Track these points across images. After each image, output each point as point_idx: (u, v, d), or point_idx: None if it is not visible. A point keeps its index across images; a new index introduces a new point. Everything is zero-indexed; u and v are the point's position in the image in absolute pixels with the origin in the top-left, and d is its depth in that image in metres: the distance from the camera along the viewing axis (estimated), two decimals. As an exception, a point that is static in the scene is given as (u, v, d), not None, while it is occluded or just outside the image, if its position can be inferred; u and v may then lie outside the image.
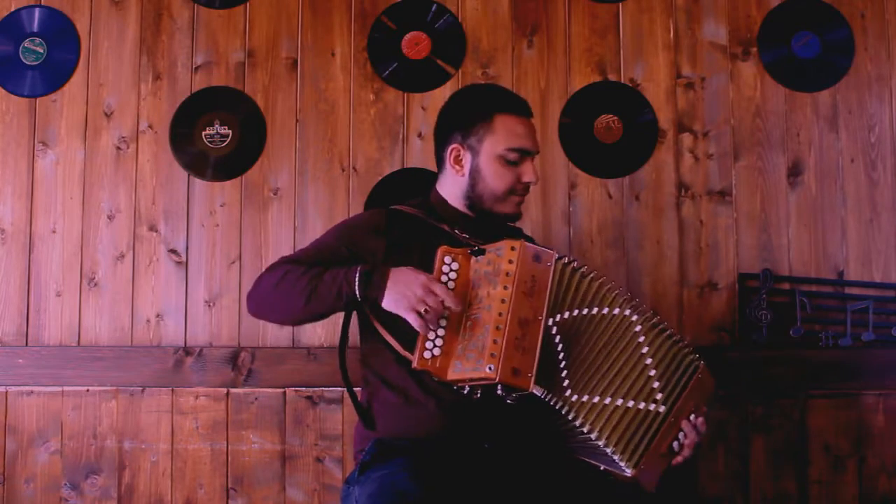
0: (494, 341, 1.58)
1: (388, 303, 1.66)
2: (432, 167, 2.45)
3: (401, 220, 1.85)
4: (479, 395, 1.65)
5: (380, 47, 2.51)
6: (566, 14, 2.51)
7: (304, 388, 2.41)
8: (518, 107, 1.87)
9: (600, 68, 2.49)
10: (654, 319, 1.76)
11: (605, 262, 2.42)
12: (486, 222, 1.88)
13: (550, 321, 1.66)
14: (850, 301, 2.37)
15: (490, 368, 1.56)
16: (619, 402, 1.66)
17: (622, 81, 2.48)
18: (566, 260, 1.70)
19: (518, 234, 1.97)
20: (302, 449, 2.41)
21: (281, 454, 2.41)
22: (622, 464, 1.65)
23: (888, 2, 2.48)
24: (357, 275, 1.67)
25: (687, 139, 2.46)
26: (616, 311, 1.72)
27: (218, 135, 2.50)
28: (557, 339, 1.66)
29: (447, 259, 1.70)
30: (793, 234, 2.43)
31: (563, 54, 2.50)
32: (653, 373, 1.71)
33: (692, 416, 1.73)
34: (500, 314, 1.61)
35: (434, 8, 2.51)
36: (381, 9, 2.52)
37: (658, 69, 2.48)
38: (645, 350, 1.72)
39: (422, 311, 1.61)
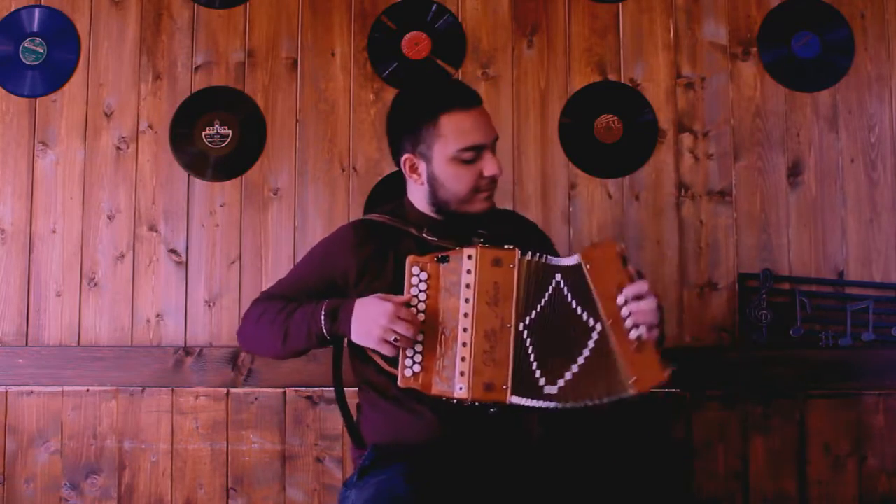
0: (462, 359, 1.56)
1: (357, 338, 1.65)
2: (432, 167, 2.46)
3: (370, 230, 1.81)
4: (467, 404, 1.63)
5: (380, 47, 2.51)
6: (566, 14, 2.51)
7: (304, 388, 2.41)
8: (462, 100, 1.74)
9: (600, 68, 2.49)
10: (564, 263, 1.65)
11: (605, 262, 2.42)
12: (457, 222, 1.80)
13: (521, 325, 1.61)
14: (850, 301, 2.37)
15: (460, 389, 1.55)
16: (574, 366, 1.59)
17: (622, 81, 2.48)
18: (529, 256, 1.63)
19: (503, 220, 1.89)
20: (302, 449, 2.41)
21: (281, 454, 2.41)
22: (617, 396, 1.58)
23: (888, 2, 2.47)
24: (322, 314, 1.67)
25: (687, 139, 2.46)
26: (553, 283, 1.63)
27: (218, 135, 2.50)
28: (528, 341, 1.61)
29: (415, 270, 1.65)
30: (793, 234, 2.43)
31: (563, 54, 2.50)
32: (576, 308, 1.62)
33: (619, 297, 1.60)
34: (464, 329, 1.58)
35: (434, 8, 2.51)
36: (381, 9, 2.52)
37: (658, 69, 2.48)
38: (570, 300, 1.62)
39: (391, 340, 1.60)
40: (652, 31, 2.49)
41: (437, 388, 1.61)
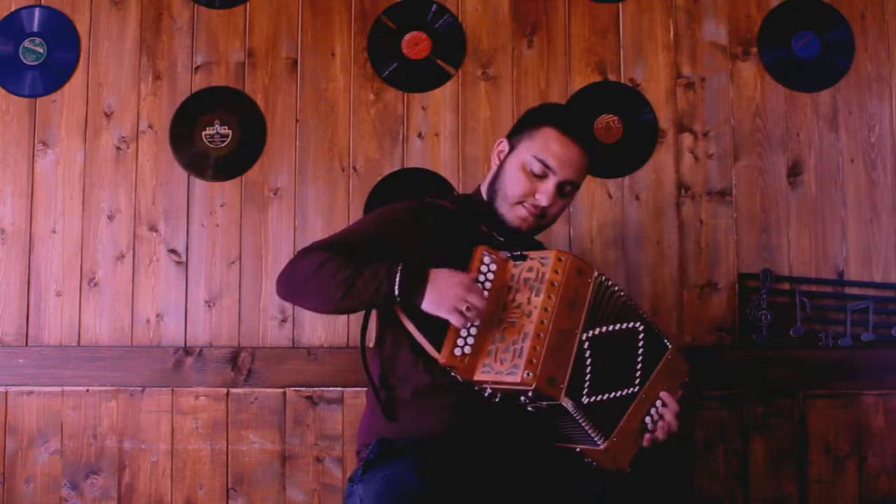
0: (534, 348, 1.59)
1: (429, 305, 1.64)
2: (432, 167, 2.46)
3: (438, 213, 1.85)
4: (499, 398, 1.65)
5: (380, 47, 2.51)
6: (566, 14, 2.51)
7: (304, 388, 2.41)
8: (568, 126, 1.81)
9: (600, 68, 2.49)
10: (656, 329, 1.77)
11: (605, 262, 2.42)
12: (522, 231, 1.87)
13: (584, 336, 1.66)
14: (850, 301, 2.37)
15: (528, 374, 1.57)
16: (608, 396, 1.68)
17: (622, 81, 2.48)
18: (603, 278, 1.71)
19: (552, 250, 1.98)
20: (302, 449, 2.41)
21: (281, 454, 2.41)
22: (594, 436, 1.64)
23: (888, 2, 2.48)
24: (398, 274, 1.65)
25: (687, 139, 2.46)
26: (631, 324, 1.73)
27: (218, 135, 2.50)
28: (588, 353, 1.66)
29: (486, 259, 1.70)
30: (793, 234, 2.43)
31: (563, 54, 2.50)
32: (640, 365, 1.72)
33: (666, 395, 1.72)
34: (542, 322, 1.61)
35: (434, 8, 2.51)
36: (381, 9, 2.52)
37: (658, 69, 2.48)
38: (639, 349, 1.73)
39: (463, 309, 1.61)
40: (652, 31, 2.49)
41: (484, 374, 1.62)
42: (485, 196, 1.89)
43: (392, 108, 2.49)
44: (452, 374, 1.65)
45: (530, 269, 1.68)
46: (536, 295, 1.64)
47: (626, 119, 2.47)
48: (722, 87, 2.47)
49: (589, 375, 1.65)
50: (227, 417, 2.42)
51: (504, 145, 1.87)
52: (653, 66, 2.48)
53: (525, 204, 1.80)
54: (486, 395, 1.65)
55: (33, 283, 2.47)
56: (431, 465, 1.63)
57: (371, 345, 1.90)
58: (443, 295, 1.63)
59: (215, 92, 2.51)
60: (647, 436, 1.70)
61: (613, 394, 1.67)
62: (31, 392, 2.44)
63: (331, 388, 2.40)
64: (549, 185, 1.78)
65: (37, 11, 2.54)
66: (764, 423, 2.37)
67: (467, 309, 1.61)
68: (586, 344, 1.66)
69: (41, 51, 2.53)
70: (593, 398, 1.65)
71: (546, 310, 1.62)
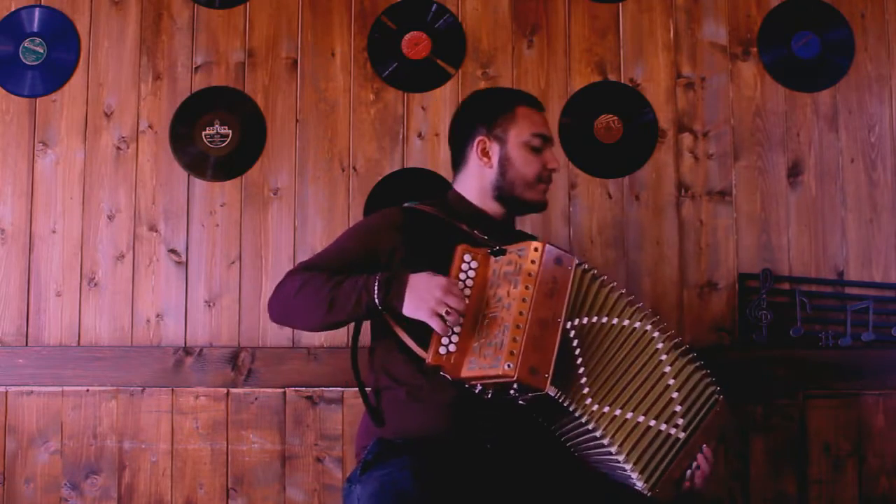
0: (514, 339, 1.59)
1: (409, 309, 1.67)
2: (432, 167, 2.46)
3: (418, 218, 1.87)
4: (490, 395, 1.65)
5: (380, 47, 2.51)
6: (566, 14, 2.51)
7: (304, 388, 2.41)
8: (533, 101, 1.96)
9: (600, 68, 2.49)
10: (677, 340, 1.77)
11: (605, 262, 2.42)
12: (504, 223, 1.92)
13: (568, 325, 1.66)
14: (850, 301, 2.37)
15: (508, 366, 1.57)
16: (641, 418, 1.67)
17: (622, 81, 2.48)
18: (585, 266, 1.72)
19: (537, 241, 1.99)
20: (302, 449, 2.41)
21: (281, 454, 2.41)
22: (638, 482, 1.66)
23: (888, 2, 2.47)
24: (376, 283, 1.69)
25: (687, 139, 2.46)
26: (637, 324, 1.73)
27: (218, 135, 2.50)
28: (575, 342, 1.67)
29: (466, 257, 1.71)
30: (793, 234, 2.43)
31: (563, 54, 2.50)
32: (675, 395, 1.71)
33: (704, 448, 1.74)
34: (520, 313, 1.61)
35: (434, 8, 2.51)
36: (381, 9, 2.52)
37: (658, 69, 2.48)
38: (667, 370, 1.72)
39: (443, 313, 1.63)
40: (652, 31, 2.49)
41: (470, 371, 1.63)
42: (476, 199, 1.91)
43: (392, 108, 2.49)
44: (442, 373, 1.65)
45: (509, 263, 1.68)
46: (515, 287, 1.64)
47: (626, 119, 2.47)
48: (722, 87, 2.47)
49: (583, 368, 1.65)
50: (227, 417, 2.42)
51: (485, 143, 1.89)
52: (653, 66, 2.48)
53: (543, 176, 1.90)
54: (478, 391, 1.65)
55: (33, 283, 2.47)
56: (428, 465, 1.63)
57: (369, 349, 1.91)
58: (422, 299, 1.65)
59: (215, 92, 2.51)
60: (686, 484, 1.72)
61: (647, 420, 1.67)
62: (31, 392, 2.44)
63: (331, 388, 2.40)
64: (551, 152, 1.92)
65: (37, 11, 2.54)
66: (764, 423, 2.37)
67: (447, 312, 1.62)
68: (572, 333, 1.66)
69: (41, 51, 2.53)
70: (607, 407, 1.65)
71: (524, 300, 1.62)
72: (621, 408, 1.66)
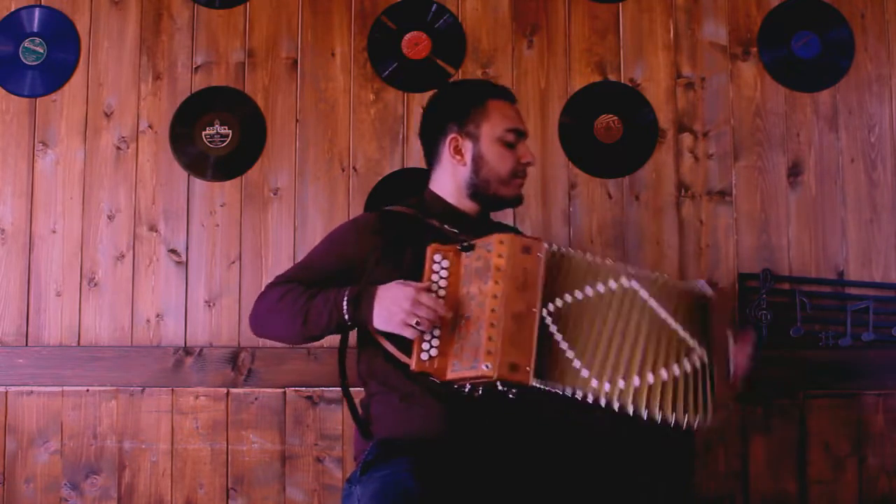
0: (490, 338, 1.57)
1: (379, 322, 1.67)
2: (432, 167, 2.46)
3: (392, 220, 1.86)
4: (480, 392, 1.64)
5: (380, 47, 2.51)
6: (566, 14, 2.51)
7: (304, 388, 2.41)
8: (504, 93, 1.93)
9: (600, 68, 2.49)
10: (653, 276, 1.72)
11: (605, 262, 2.42)
12: (480, 218, 1.90)
13: (545, 311, 1.63)
14: (850, 301, 2.37)
15: (487, 366, 1.56)
16: (664, 373, 1.62)
17: (622, 81, 2.48)
18: (555, 248, 1.68)
19: (511, 231, 1.96)
20: (302, 449, 2.41)
21: (281, 454, 2.41)
22: (696, 424, 1.62)
23: (888, 2, 2.48)
24: (345, 300, 1.68)
25: (687, 139, 2.46)
26: (614, 284, 1.68)
27: (218, 135, 2.50)
28: (555, 328, 1.63)
29: (437, 257, 1.69)
30: (793, 234, 2.43)
31: (563, 54, 2.50)
32: (676, 326, 1.67)
33: (732, 345, 1.72)
34: (493, 310, 1.59)
35: (434, 8, 2.51)
36: (381, 9, 2.52)
37: (658, 69, 2.48)
38: (661, 312, 1.68)
39: (413, 323, 1.62)
40: (652, 31, 2.49)
41: (454, 373, 1.61)
42: (451, 197, 1.90)
43: (392, 108, 2.49)
44: (430, 378, 1.64)
45: (479, 258, 1.66)
46: (486, 283, 1.62)
47: (626, 119, 2.47)
48: (722, 87, 2.47)
49: (571, 351, 1.61)
50: (227, 417, 2.42)
51: (458, 140, 1.87)
52: (653, 66, 2.48)
53: (518, 171, 1.88)
54: (467, 391, 1.65)
55: (33, 283, 2.47)
56: (429, 465, 1.63)
57: (356, 356, 1.91)
58: (391, 311, 1.64)
59: (215, 92, 2.51)
60: (737, 377, 1.73)
61: (668, 371, 1.62)
62: (31, 392, 2.44)
63: (331, 388, 2.40)
64: (524, 145, 1.89)
65: (37, 11, 2.54)
66: (764, 423, 2.37)
67: (417, 323, 1.61)
68: (549, 320, 1.63)
69: (41, 51, 2.53)
70: (621, 382, 1.60)
71: (495, 296, 1.60)
72: (639, 375, 1.61)
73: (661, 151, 2.46)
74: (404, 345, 1.69)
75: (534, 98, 2.47)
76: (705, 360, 1.68)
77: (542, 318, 1.63)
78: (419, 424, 1.73)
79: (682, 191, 2.45)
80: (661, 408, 1.60)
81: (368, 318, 1.67)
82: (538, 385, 1.59)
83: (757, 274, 2.40)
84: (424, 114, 1.96)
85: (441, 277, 1.68)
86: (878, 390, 2.36)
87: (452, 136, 1.87)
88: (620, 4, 2.50)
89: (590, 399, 1.59)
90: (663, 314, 1.69)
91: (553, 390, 1.60)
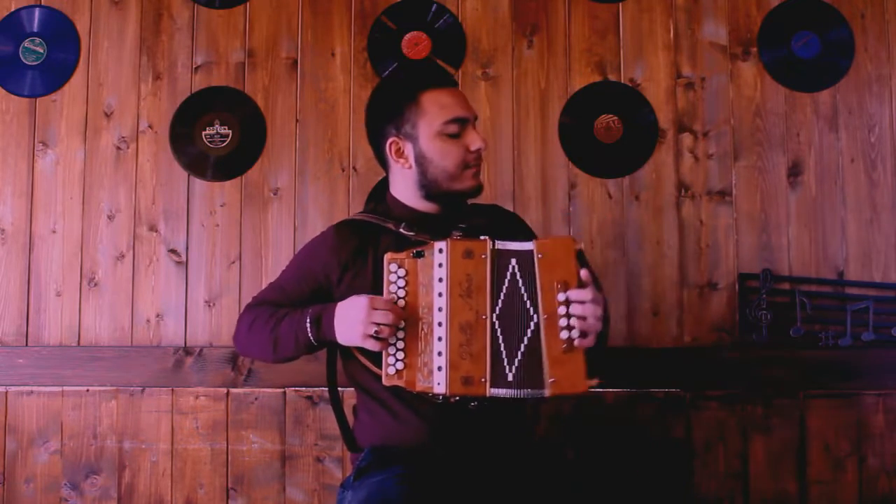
0: (439, 353, 1.55)
1: (343, 339, 1.66)
2: (432, 167, 2.46)
3: (351, 230, 1.81)
4: (455, 400, 1.62)
5: (380, 47, 2.51)
6: (566, 14, 2.51)
7: (304, 388, 2.41)
8: (437, 79, 1.80)
9: (600, 68, 2.49)
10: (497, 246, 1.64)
11: (605, 262, 2.42)
12: (444, 216, 1.80)
13: (494, 316, 1.59)
14: (850, 301, 2.37)
15: (439, 384, 1.54)
16: (522, 348, 1.58)
17: (622, 81, 2.48)
18: (500, 246, 1.62)
19: (487, 214, 1.89)
20: (302, 449, 2.41)
21: (281, 454, 2.41)
22: (536, 394, 1.57)
23: (888, 2, 2.48)
24: (307, 322, 1.68)
25: (687, 139, 2.46)
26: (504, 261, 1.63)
27: (218, 135, 2.50)
28: (499, 331, 1.59)
29: (392, 267, 1.64)
30: (793, 234, 2.43)
31: (563, 54, 2.50)
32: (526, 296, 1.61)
33: (561, 295, 1.58)
34: (439, 323, 1.56)
35: (434, 8, 2.51)
36: (381, 9, 2.52)
37: (658, 69, 2.48)
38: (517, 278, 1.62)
39: (373, 333, 1.59)
40: (652, 31, 2.49)
41: (420, 386, 1.59)
42: (409, 200, 1.81)
43: (392, 108, 2.49)
44: (405, 390, 1.63)
45: (428, 266, 1.61)
46: (431, 293, 1.58)
47: (626, 119, 2.47)
48: (722, 87, 2.47)
49: (505, 351, 1.58)
50: (227, 417, 2.42)
51: (398, 143, 1.76)
52: (653, 66, 2.48)
53: (468, 161, 1.75)
54: (441, 402, 1.63)
55: (33, 283, 2.47)
56: (419, 474, 1.62)
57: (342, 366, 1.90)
58: (350, 326, 1.62)
59: (215, 92, 2.51)
60: (580, 341, 1.57)
61: (522, 347, 1.57)
62: (31, 392, 2.44)
63: (331, 388, 2.40)
64: (470, 131, 1.75)
65: (37, 11, 2.54)
66: (764, 423, 2.37)
67: (377, 332, 1.58)
68: (497, 324, 1.59)
69: (41, 51, 2.53)
70: (515, 364, 1.56)
71: (440, 309, 1.57)
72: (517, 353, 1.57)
73: (661, 151, 2.46)
74: (376, 358, 1.67)
75: (534, 98, 2.47)
76: (535, 321, 1.59)
77: (493, 323, 1.58)
78: (404, 433, 1.71)
79: (682, 191, 2.45)
80: (523, 387, 1.56)
81: (332, 336, 1.66)
82: (501, 393, 1.56)
83: (757, 274, 2.40)
84: (365, 118, 1.86)
85: (399, 287, 1.63)
86: (878, 390, 2.36)
87: (391, 139, 1.77)
88: (620, 4, 2.50)
89: (508, 395, 1.56)
90: (521, 287, 1.61)
91: (519, 396, 1.57)
